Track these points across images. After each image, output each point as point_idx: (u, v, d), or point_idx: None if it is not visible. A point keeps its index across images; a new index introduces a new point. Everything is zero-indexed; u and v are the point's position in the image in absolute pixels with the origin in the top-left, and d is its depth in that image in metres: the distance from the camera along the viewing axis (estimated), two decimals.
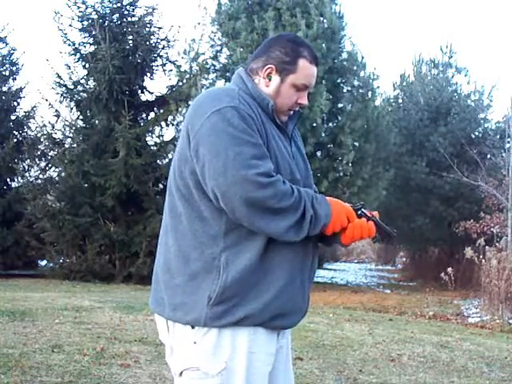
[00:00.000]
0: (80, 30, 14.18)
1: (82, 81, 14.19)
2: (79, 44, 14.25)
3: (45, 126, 14.18)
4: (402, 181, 16.91)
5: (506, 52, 43.62)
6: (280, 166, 1.79)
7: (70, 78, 14.19)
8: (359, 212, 1.85)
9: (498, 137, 16.70)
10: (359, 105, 14.17)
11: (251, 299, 1.75)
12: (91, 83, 14.03)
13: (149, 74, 14.42)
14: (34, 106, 15.08)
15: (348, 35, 14.96)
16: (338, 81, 14.53)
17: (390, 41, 56.80)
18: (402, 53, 51.69)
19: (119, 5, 14.21)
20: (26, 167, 15.02)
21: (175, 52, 16.22)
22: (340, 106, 14.38)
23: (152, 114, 14.62)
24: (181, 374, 1.82)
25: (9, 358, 4.47)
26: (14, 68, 15.35)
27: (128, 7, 14.31)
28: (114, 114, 13.47)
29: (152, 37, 14.29)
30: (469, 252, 10.69)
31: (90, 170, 13.14)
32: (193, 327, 1.77)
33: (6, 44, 15.26)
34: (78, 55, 14.19)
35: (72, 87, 14.11)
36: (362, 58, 14.53)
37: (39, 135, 14.52)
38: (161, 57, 14.33)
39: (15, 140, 14.61)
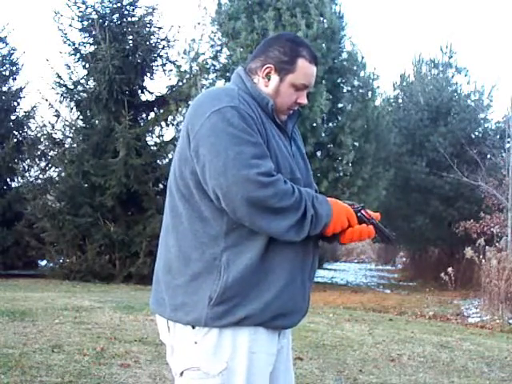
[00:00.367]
0: (80, 30, 14.18)
1: (82, 81, 14.19)
2: (79, 44, 14.25)
3: (45, 125, 14.19)
4: (401, 181, 16.91)
5: (506, 52, 43.64)
6: (280, 166, 1.79)
7: (70, 78, 14.20)
8: (359, 214, 1.84)
9: (498, 137, 16.70)
10: (359, 105, 14.18)
11: (252, 299, 1.75)
12: (91, 83, 14.03)
13: (149, 74, 14.42)
14: (34, 106, 15.10)
15: (348, 35, 14.98)
16: (338, 81, 14.53)
17: (390, 41, 56.83)
18: (402, 53, 51.74)
19: (119, 5, 14.21)
20: (26, 167, 15.02)
21: (175, 52, 16.22)
22: (340, 105, 14.38)
23: (152, 114, 14.62)
24: (181, 373, 1.81)
25: (9, 358, 4.47)
26: (14, 68, 15.35)
27: (128, 7, 14.31)
28: (114, 114, 13.47)
29: (152, 37, 14.29)
30: (469, 252, 10.69)
31: (90, 170, 13.14)
32: (193, 327, 1.77)
33: (6, 44, 15.27)
34: (78, 55, 14.19)
35: (72, 87, 14.11)
36: (362, 58, 14.54)
37: (39, 135, 14.52)
38: (161, 57, 14.34)
39: (15, 140, 14.61)
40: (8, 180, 15.07)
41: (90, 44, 14.23)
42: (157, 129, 14.32)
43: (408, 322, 8.62)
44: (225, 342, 1.76)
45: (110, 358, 4.73)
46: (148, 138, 14.24)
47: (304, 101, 1.92)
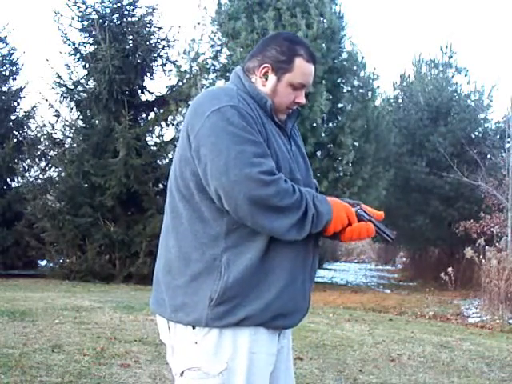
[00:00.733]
0: (80, 30, 14.18)
1: (82, 81, 14.19)
2: (79, 44, 14.25)
3: (45, 125, 14.19)
4: (401, 181, 16.92)
5: (506, 52, 43.65)
6: (280, 165, 1.79)
7: (70, 78, 14.19)
8: (358, 212, 1.84)
9: (498, 137, 16.70)
10: (359, 105, 14.18)
11: (252, 299, 1.74)
12: (91, 83, 14.03)
13: (149, 74, 14.42)
14: (34, 106, 15.09)
15: (348, 35, 14.98)
16: (338, 81, 14.54)
17: (390, 41, 56.84)
18: (402, 53, 51.77)
19: (119, 5, 14.21)
20: (26, 167, 15.01)
21: (175, 52, 16.22)
22: (340, 105, 14.39)
23: (152, 114, 14.62)
24: (182, 374, 1.81)
25: (9, 358, 4.47)
26: (14, 68, 15.35)
27: (128, 7, 14.31)
28: (114, 114, 13.47)
29: (152, 37, 14.28)
30: (469, 252, 10.69)
31: (90, 170, 13.13)
32: (194, 327, 1.77)
33: (6, 44, 15.27)
34: (78, 55, 14.19)
35: (72, 87, 14.11)
36: (362, 58, 14.54)
37: (39, 135, 14.52)
38: (161, 57, 14.33)
39: (15, 140, 14.60)
40: (8, 180, 15.07)
41: (90, 44, 14.23)
42: (157, 129, 14.33)
43: (408, 322, 8.62)
44: (225, 342, 1.76)
45: (109, 357, 4.73)
46: (148, 138, 14.25)
47: (302, 100, 1.91)
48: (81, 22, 14.14)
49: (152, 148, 14.03)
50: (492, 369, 5.43)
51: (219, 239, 1.75)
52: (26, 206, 13.34)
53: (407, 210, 17.02)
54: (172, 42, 14.29)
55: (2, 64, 15.14)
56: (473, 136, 17.37)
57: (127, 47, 13.98)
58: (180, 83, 14.16)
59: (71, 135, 14.11)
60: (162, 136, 14.32)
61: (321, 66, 13.28)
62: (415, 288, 15.58)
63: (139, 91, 14.50)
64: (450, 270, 10.91)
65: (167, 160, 13.83)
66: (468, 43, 45.84)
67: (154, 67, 14.36)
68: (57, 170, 14.36)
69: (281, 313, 1.79)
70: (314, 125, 13.42)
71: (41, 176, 14.61)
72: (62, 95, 14.00)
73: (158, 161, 13.98)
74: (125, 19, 14.30)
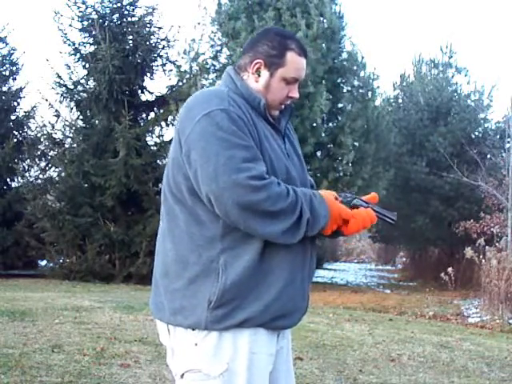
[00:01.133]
0: (80, 30, 14.18)
1: (82, 81, 14.19)
2: (79, 44, 14.25)
3: (45, 125, 14.18)
4: (401, 181, 16.92)
5: (506, 52, 43.65)
6: (275, 166, 1.77)
7: (70, 78, 14.19)
8: (355, 201, 1.84)
9: (498, 137, 16.70)
10: (359, 105, 14.18)
11: (251, 301, 1.73)
12: (91, 83, 14.03)
13: (149, 74, 14.41)
14: (34, 106, 15.09)
15: (348, 35, 14.98)
16: (338, 81, 14.54)
17: (390, 41, 56.86)
18: (402, 53, 51.79)
19: (119, 5, 14.20)
20: (26, 167, 15.01)
21: (175, 52, 16.22)
22: (340, 105, 14.39)
23: (152, 114, 14.62)
24: (182, 375, 1.80)
25: (9, 358, 4.47)
26: (14, 68, 15.35)
27: (128, 7, 14.30)
28: (114, 114, 13.47)
29: (152, 37, 14.28)
30: (469, 252, 10.68)
31: (90, 170, 13.13)
32: (193, 329, 1.76)
33: (6, 44, 15.26)
34: (78, 55, 14.19)
35: (72, 87, 14.11)
36: (362, 58, 14.54)
37: (39, 135, 14.51)
38: (161, 57, 14.33)
39: (15, 140, 14.60)
40: (8, 180, 15.07)
41: (90, 44, 14.22)
42: (157, 129, 14.33)
43: (408, 322, 8.62)
44: (225, 343, 1.75)
45: (109, 357, 4.73)
46: (148, 138, 14.25)
47: (296, 95, 1.90)
48: (81, 22, 14.14)
49: (152, 148, 14.03)
50: (492, 369, 5.43)
51: (215, 241, 1.74)
52: (26, 206, 13.34)
53: (407, 210, 16.99)
54: (172, 42, 14.30)
55: (2, 64, 15.14)
56: (473, 136, 17.36)
57: (127, 47, 13.97)
58: (180, 83, 14.16)
59: (71, 135, 14.11)
60: (162, 136, 14.33)
61: (321, 65, 13.29)
62: (415, 288, 15.57)
63: (139, 91, 14.50)
64: (449, 270, 10.91)
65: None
66: (468, 43, 45.90)
67: (153, 67, 14.36)
68: (57, 170, 14.36)
69: (281, 314, 1.78)
70: (314, 125, 13.42)
71: (41, 176, 14.61)
72: (62, 95, 14.00)
73: (158, 161, 13.98)
74: (125, 19, 14.29)
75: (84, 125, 14.38)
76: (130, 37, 14.21)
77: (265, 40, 1.87)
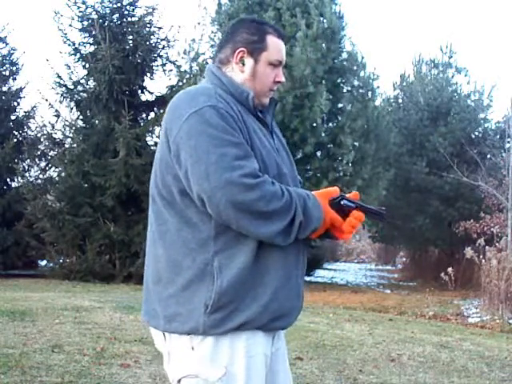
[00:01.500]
0: (80, 30, 14.17)
1: (82, 81, 14.18)
2: (79, 44, 14.24)
3: (45, 125, 14.18)
4: (401, 181, 16.92)
5: (506, 52, 43.65)
6: (266, 163, 1.74)
7: (70, 78, 14.19)
8: (343, 202, 1.80)
9: (498, 137, 16.71)
10: (359, 105, 14.18)
11: (249, 303, 1.70)
12: (91, 83, 14.02)
13: (149, 74, 14.41)
14: (34, 106, 15.09)
15: (348, 35, 15.03)
16: (338, 81, 14.54)
17: (390, 41, 56.86)
18: (402, 53, 51.82)
19: (119, 5, 14.20)
20: (26, 167, 15.01)
21: (175, 52, 16.26)
22: (340, 105, 14.39)
23: (152, 114, 14.62)
24: (179, 381, 1.76)
25: (9, 358, 4.47)
26: (14, 68, 15.34)
27: (128, 7, 14.29)
28: (114, 114, 13.47)
29: (152, 37, 14.27)
30: (469, 252, 10.68)
31: (90, 170, 13.13)
32: (189, 334, 1.72)
33: (6, 44, 15.25)
34: (78, 55, 14.18)
35: (72, 87, 14.11)
36: (362, 58, 14.54)
37: (39, 135, 14.51)
38: (161, 57, 14.33)
39: (15, 140, 14.59)
40: (8, 180, 15.06)
41: (90, 44, 14.22)
42: (157, 129, 14.31)
43: (408, 322, 8.61)
44: (222, 346, 1.71)
45: (110, 357, 4.73)
46: (148, 138, 14.24)
47: (282, 78, 1.88)
48: (81, 21, 14.13)
49: (152, 148, 14.01)
50: (492, 369, 5.43)
51: (209, 243, 1.69)
52: (26, 206, 13.33)
53: (407, 210, 17.01)
54: (172, 41, 14.29)
55: (2, 64, 15.13)
56: (473, 136, 17.38)
57: (127, 47, 13.97)
58: (180, 83, 14.15)
59: (71, 135, 14.10)
60: None
61: (321, 65, 13.30)
62: (415, 288, 15.57)
63: (139, 91, 14.50)
64: (449, 270, 10.90)
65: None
66: (468, 43, 45.92)
67: (153, 67, 14.35)
68: (57, 170, 14.36)
69: (279, 314, 1.75)
70: (314, 125, 13.43)
71: (41, 176, 14.61)
72: (62, 95, 14.00)
73: None
74: (125, 19, 14.29)
75: (84, 125, 14.37)
76: (130, 37, 14.20)
77: (242, 29, 1.86)
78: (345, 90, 14.79)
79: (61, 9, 16.31)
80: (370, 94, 14.78)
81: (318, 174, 13.06)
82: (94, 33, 13.75)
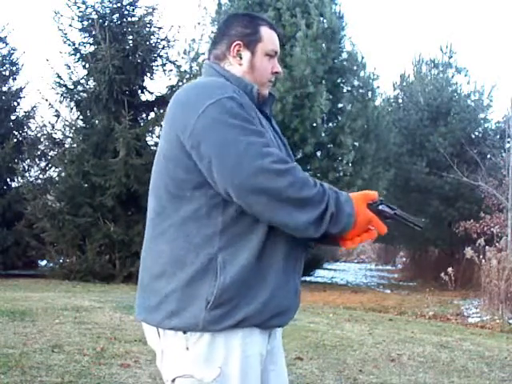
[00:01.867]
0: (80, 30, 14.17)
1: (82, 81, 14.18)
2: (79, 44, 14.24)
3: (45, 125, 14.19)
4: (401, 181, 16.92)
5: (506, 52, 43.65)
6: None
7: (70, 78, 14.19)
8: (381, 207, 1.72)
9: (498, 137, 16.72)
10: (359, 105, 14.18)
11: (250, 300, 1.69)
12: (91, 83, 14.03)
13: (149, 74, 14.41)
14: (34, 106, 15.10)
15: (348, 35, 15.05)
16: (338, 81, 14.55)
17: (390, 41, 56.87)
18: (402, 53, 51.83)
19: (119, 5, 14.20)
20: (26, 167, 15.02)
21: (175, 52, 16.28)
22: (340, 105, 14.40)
23: (152, 114, 14.62)
24: (173, 381, 1.73)
25: (9, 358, 4.47)
26: (14, 68, 15.35)
27: (128, 7, 14.30)
28: (114, 114, 13.47)
29: (152, 37, 14.28)
30: (469, 252, 10.68)
31: (90, 170, 13.13)
32: (185, 332, 1.69)
33: (6, 44, 15.26)
34: (78, 55, 14.19)
35: (72, 87, 14.11)
36: (362, 58, 14.55)
37: (39, 135, 14.52)
38: (161, 57, 14.33)
39: (15, 140, 14.60)
40: (8, 180, 15.06)
41: (90, 44, 14.22)
42: (157, 129, 14.31)
43: (408, 322, 8.61)
44: (217, 346, 1.69)
45: (110, 357, 4.73)
46: (148, 138, 14.25)
47: (279, 69, 1.88)
48: (81, 21, 14.14)
49: (152, 148, 14.01)
50: (492, 369, 5.43)
51: (214, 238, 1.67)
52: (26, 205, 13.33)
53: (407, 210, 16.62)
54: (172, 41, 14.30)
55: (2, 64, 15.13)
56: (473, 136, 17.38)
57: (127, 47, 13.97)
58: (180, 83, 14.14)
59: (71, 135, 14.11)
60: None
61: (321, 65, 13.30)
62: (415, 288, 15.57)
63: (139, 91, 14.50)
64: (449, 270, 10.90)
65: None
66: (468, 43, 45.92)
67: (153, 67, 14.36)
68: (57, 170, 14.37)
69: (277, 312, 1.74)
70: (314, 125, 13.43)
71: (41, 176, 14.62)
72: (62, 95, 14.00)
73: None
74: (125, 19, 14.29)
75: (84, 125, 14.38)
76: (130, 37, 14.21)
77: (235, 23, 1.87)
78: (345, 90, 14.80)
79: (61, 9, 16.37)
80: (369, 93, 14.79)
81: (318, 174, 13.05)
82: (94, 33, 13.75)
